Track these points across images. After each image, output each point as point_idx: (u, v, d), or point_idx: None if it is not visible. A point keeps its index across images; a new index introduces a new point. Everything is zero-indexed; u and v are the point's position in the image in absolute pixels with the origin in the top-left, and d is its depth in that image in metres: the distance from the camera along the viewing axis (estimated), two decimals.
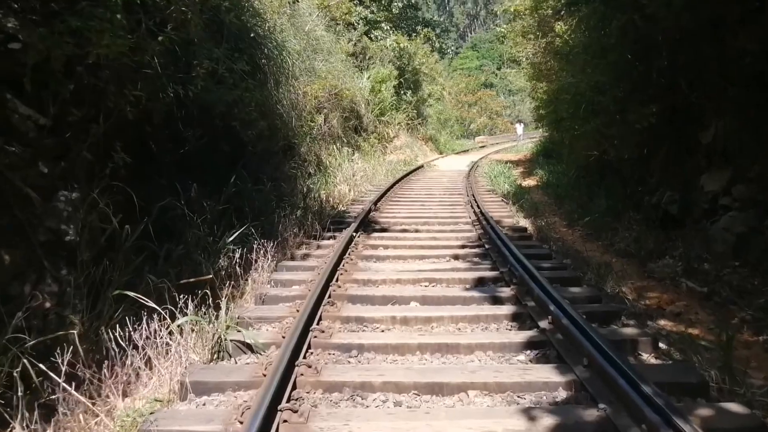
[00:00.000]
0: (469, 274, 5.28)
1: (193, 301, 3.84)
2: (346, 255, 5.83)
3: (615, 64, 7.84)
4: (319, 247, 6.61)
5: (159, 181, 6.28)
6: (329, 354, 3.49)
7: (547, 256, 6.09)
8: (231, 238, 5.65)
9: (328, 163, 11.80)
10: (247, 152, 8.43)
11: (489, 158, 24.25)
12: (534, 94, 17.66)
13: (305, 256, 6.11)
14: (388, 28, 24.02)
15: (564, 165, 14.15)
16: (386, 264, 5.81)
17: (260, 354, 3.54)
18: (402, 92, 23.71)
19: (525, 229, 7.74)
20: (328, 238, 7.00)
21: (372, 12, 23.41)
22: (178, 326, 3.56)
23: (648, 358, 3.47)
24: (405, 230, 7.58)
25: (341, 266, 5.34)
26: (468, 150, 32.47)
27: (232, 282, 5.32)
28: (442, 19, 58.02)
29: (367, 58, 21.99)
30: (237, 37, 8.23)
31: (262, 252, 5.56)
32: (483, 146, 36.19)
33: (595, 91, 7.96)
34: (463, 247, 6.52)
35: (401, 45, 23.76)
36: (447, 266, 5.62)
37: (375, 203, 9.33)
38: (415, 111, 24.83)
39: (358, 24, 21.10)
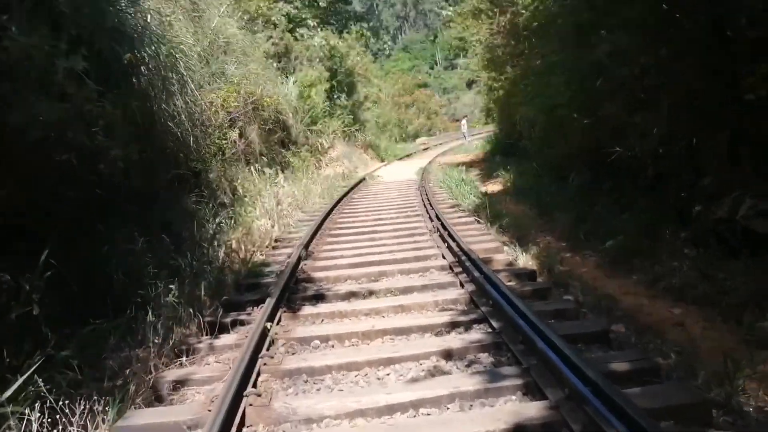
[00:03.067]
0: (490, 414, 2.67)
1: None
2: (252, 377, 3.14)
3: (631, 23, 5.47)
4: (209, 352, 3.87)
5: None
6: None
7: (603, 335, 3.55)
8: (10, 390, 2.82)
9: (242, 191, 8.97)
10: (106, 196, 5.57)
11: (437, 162, 21.73)
12: (491, 84, 15.21)
13: (176, 388, 3.34)
14: (315, 24, 21.27)
15: (535, 164, 11.77)
16: (324, 396, 3.10)
17: None
18: (335, 96, 21.04)
19: (533, 274, 5.17)
20: (229, 330, 4.24)
21: (296, 8, 20.58)
22: None
23: None
24: (353, 294, 4.91)
25: (239, 417, 2.66)
26: (411, 154, 29.94)
27: None
28: (371, 24, 55.84)
29: (292, 59, 19.24)
30: (72, 21, 5.36)
31: (85, 407, 2.80)
32: (426, 148, 33.75)
33: (618, 62, 5.50)
34: (452, 326, 3.90)
35: (331, 43, 21.11)
36: (439, 389, 2.97)
37: (306, 245, 6.60)
38: (351, 116, 22.13)
39: (280, 21, 18.31)
